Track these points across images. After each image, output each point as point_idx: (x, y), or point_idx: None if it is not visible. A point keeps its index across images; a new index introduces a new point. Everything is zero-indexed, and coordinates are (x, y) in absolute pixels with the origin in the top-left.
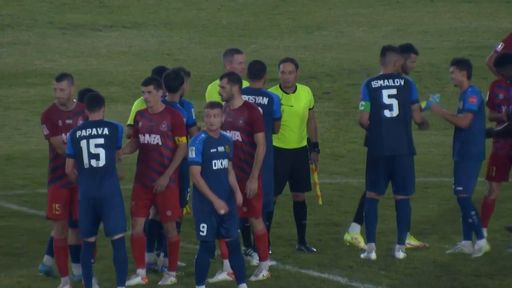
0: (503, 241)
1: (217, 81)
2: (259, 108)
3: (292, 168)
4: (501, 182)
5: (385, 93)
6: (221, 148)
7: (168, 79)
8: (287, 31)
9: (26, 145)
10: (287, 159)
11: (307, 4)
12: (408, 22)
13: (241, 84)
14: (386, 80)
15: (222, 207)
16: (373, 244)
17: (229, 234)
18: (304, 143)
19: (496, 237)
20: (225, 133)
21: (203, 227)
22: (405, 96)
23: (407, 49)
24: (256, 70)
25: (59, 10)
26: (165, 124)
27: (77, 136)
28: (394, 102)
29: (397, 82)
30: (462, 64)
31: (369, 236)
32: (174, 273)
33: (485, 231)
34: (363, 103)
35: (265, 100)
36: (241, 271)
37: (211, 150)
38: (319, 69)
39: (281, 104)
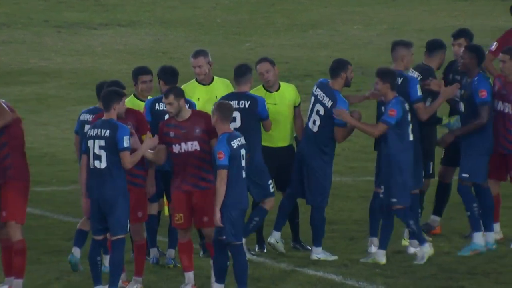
0: (499, 239)
1: (193, 81)
2: (238, 112)
3: (279, 167)
4: (493, 179)
5: None
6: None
7: (165, 74)
8: (283, 29)
9: None
10: (273, 158)
11: (303, 3)
12: (403, 21)
13: (184, 95)
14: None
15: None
16: (375, 239)
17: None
18: (291, 141)
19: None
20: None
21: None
22: (402, 95)
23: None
24: (240, 72)
25: (55, 8)
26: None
27: (88, 135)
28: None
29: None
30: (385, 75)
31: (372, 231)
32: (140, 279)
33: (497, 225)
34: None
35: (247, 104)
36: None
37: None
38: (314, 67)
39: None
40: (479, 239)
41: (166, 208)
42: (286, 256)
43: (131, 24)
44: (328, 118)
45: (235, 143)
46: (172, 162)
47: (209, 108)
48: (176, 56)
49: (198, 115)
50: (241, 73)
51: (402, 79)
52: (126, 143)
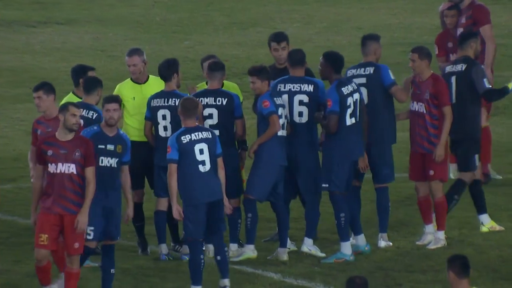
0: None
1: (128, 80)
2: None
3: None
4: (419, 181)
5: (356, 81)
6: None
7: (160, 68)
8: (222, 27)
9: None
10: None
11: (242, 1)
12: (342, 19)
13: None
14: (357, 69)
15: None
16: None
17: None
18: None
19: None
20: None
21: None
22: (376, 84)
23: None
24: (215, 68)
25: None
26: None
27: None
28: (364, 91)
29: (367, 71)
30: (259, 73)
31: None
32: None
33: (431, 226)
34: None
35: (224, 101)
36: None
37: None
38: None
39: None
40: (346, 248)
41: None
42: None
43: (69, 22)
44: (314, 102)
45: (186, 138)
46: (46, 181)
47: (143, 107)
48: (115, 54)
49: (80, 139)
50: (215, 68)
51: (374, 68)
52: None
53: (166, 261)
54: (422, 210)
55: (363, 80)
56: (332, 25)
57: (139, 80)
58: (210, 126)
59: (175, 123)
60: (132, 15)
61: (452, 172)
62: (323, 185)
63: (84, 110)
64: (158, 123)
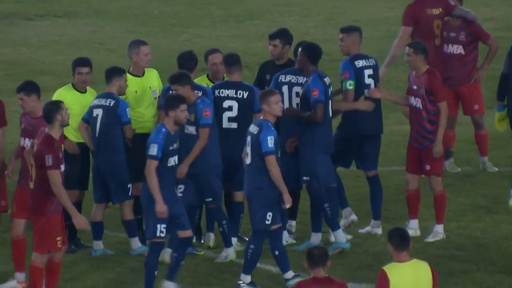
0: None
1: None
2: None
3: None
4: (412, 174)
5: (366, 72)
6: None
7: (182, 59)
8: (219, 20)
9: None
10: None
11: None
12: (339, 12)
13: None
14: (365, 60)
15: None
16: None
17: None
18: None
19: (428, 226)
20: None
21: (269, 215)
22: (377, 76)
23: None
24: (232, 61)
25: None
26: None
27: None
28: (372, 83)
29: (371, 62)
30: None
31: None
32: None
33: (415, 222)
34: (351, 82)
35: (245, 94)
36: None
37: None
38: (250, 58)
39: None
40: (340, 236)
41: None
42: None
43: (67, 15)
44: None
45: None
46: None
47: (146, 100)
48: (113, 47)
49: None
50: (233, 62)
51: (375, 60)
52: None
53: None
54: (410, 204)
55: (371, 72)
56: (330, 18)
57: (139, 73)
58: (229, 118)
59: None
60: (130, 8)
61: (448, 166)
62: (304, 178)
63: (103, 99)
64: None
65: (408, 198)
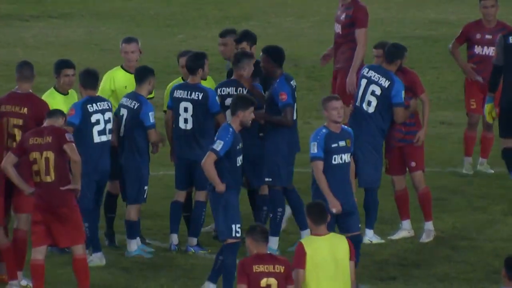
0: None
1: (118, 68)
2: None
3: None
4: (397, 175)
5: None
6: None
7: (189, 60)
8: (214, 21)
9: None
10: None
11: None
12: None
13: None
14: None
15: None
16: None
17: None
18: None
19: (421, 226)
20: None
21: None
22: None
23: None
24: (193, 64)
25: None
26: None
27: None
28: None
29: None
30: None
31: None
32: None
33: (408, 222)
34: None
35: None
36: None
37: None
38: None
39: None
40: (274, 243)
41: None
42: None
43: (63, 16)
44: (385, 98)
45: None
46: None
47: None
48: (109, 48)
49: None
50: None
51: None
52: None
53: (175, 251)
54: (400, 205)
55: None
56: (325, 19)
57: (131, 69)
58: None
59: (196, 117)
60: (126, 9)
61: (465, 167)
62: (266, 179)
63: (130, 99)
64: (179, 115)
65: (397, 200)
